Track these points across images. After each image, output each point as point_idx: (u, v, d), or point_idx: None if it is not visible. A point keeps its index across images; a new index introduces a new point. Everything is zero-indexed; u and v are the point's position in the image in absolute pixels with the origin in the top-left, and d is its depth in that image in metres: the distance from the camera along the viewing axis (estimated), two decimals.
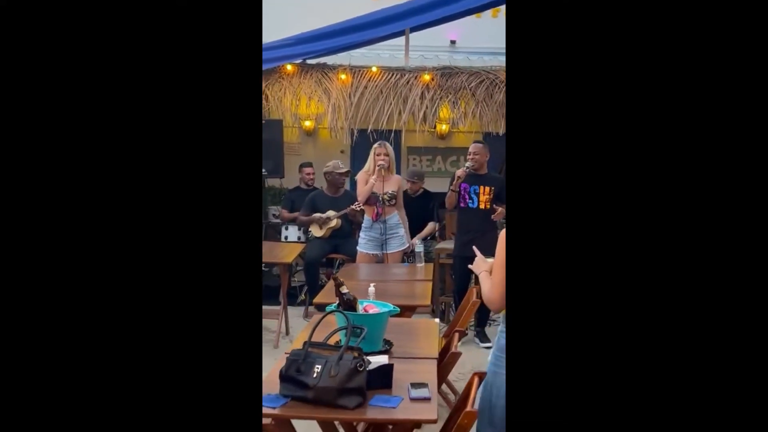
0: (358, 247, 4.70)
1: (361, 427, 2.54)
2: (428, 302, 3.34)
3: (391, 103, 5.91)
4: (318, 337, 2.03)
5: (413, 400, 1.92)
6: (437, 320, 2.84)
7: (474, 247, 2.45)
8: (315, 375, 1.85)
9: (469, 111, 5.93)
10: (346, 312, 2.21)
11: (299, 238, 5.52)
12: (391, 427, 2.09)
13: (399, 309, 2.44)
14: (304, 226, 5.47)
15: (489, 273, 2.28)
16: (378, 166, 4.44)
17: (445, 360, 2.47)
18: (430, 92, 5.90)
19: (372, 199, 4.51)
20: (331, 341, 2.05)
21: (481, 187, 4.45)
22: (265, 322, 5.00)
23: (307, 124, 6.80)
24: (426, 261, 4.23)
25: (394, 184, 4.60)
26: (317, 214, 5.22)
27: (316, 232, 5.31)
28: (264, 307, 5.33)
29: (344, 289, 2.31)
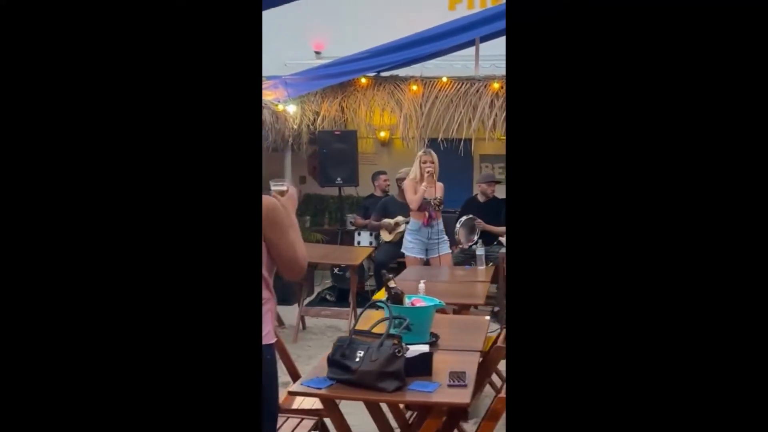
0: (404, 250, 4.82)
1: (409, 415, 2.68)
2: (482, 301, 3.44)
3: (461, 112, 6.04)
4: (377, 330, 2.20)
5: (450, 386, 2.04)
6: (488, 317, 2.94)
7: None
8: (357, 359, 2.01)
9: None
10: (390, 305, 2.38)
11: (371, 243, 5.74)
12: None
13: (443, 303, 2.57)
14: (375, 231, 5.68)
15: None
16: (427, 173, 4.58)
17: (490, 353, 2.58)
18: (499, 100, 5.97)
19: (423, 205, 4.64)
20: (379, 331, 2.21)
21: None
22: (335, 322, 5.26)
23: (382, 134, 7.05)
24: (488, 264, 4.33)
25: (439, 190, 4.73)
26: (386, 220, 5.42)
27: (385, 236, 5.51)
28: (336, 308, 5.62)
29: (392, 284, 2.47)
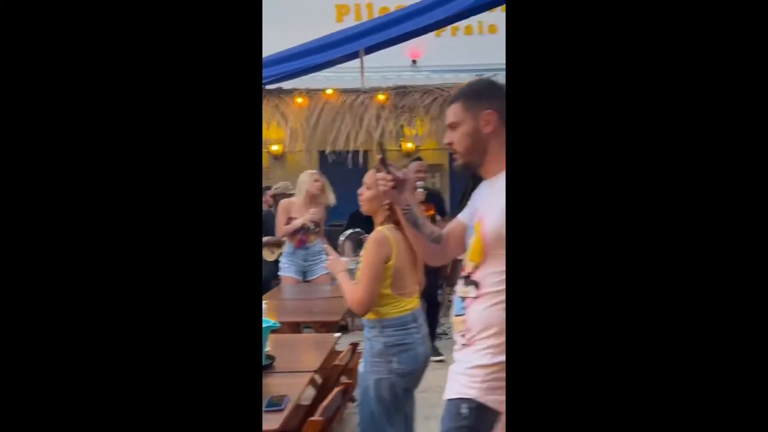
0: (279, 272, 4.62)
1: None
2: (338, 318, 3.34)
3: (347, 125, 6.00)
4: None
5: (266, 411, 1.93)
6: (337, 335, 2.85)
7: (327, 246, 2.50)
8: None
9: (424, 129, 6.03)
10: None
11: None
12: None
13: (279, 324, 2.45)
14: None
15: (347, 273, 2.34)
16: (312, 193, 4.43)
17: (328, 373, 2.49)
18: (385, 111, 5.98)
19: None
20: None
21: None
22: None
23: (274, 148, 6.90)
24: None
25: (318, 213, 4.54)
26: (268, 238, 5.26)
27: (267, 256, 5.34)
28: None
29: None
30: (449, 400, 1.67)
